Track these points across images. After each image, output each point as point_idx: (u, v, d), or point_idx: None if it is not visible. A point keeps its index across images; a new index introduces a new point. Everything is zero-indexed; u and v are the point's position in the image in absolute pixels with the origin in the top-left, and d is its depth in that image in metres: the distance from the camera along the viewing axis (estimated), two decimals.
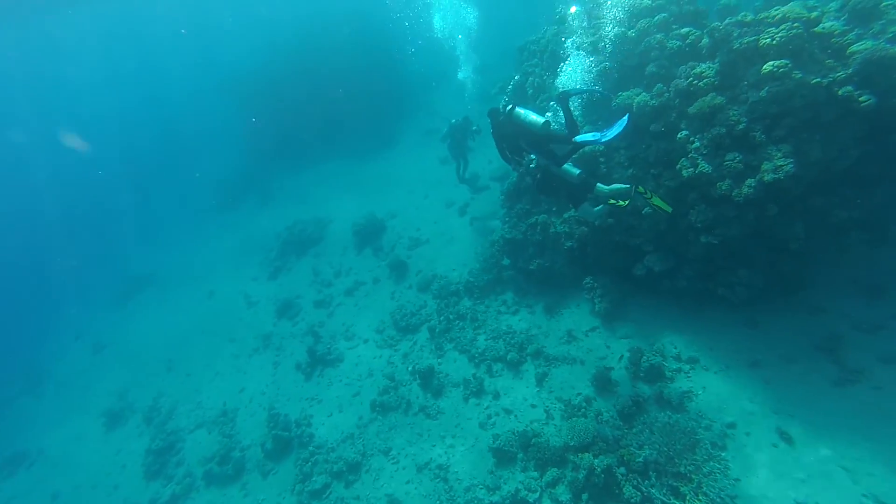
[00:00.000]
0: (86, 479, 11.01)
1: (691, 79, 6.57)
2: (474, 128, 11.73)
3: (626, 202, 6.05)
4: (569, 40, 8.85)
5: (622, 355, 7.65)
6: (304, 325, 12.11)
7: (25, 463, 12.77)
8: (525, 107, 6.39)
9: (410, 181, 16.32)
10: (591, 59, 8.18)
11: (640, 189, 6.08)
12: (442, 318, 10.04)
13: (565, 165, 6.39)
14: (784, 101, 5.45)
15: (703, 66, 6.42)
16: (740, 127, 5.94)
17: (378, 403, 8.87)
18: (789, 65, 5.25)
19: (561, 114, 6.52)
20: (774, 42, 5.35)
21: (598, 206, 6.59)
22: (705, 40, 6.61)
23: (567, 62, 8.48)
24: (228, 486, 9.00)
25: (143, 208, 29.17)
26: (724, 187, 6.17)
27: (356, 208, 15.74)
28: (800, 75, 5.23)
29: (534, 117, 6.12)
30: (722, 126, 6.16)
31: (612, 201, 6.14)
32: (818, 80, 5.19)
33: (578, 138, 5.97)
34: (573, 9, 9.33)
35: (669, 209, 6.01)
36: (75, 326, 19.04)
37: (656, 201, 6.01)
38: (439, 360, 9.25)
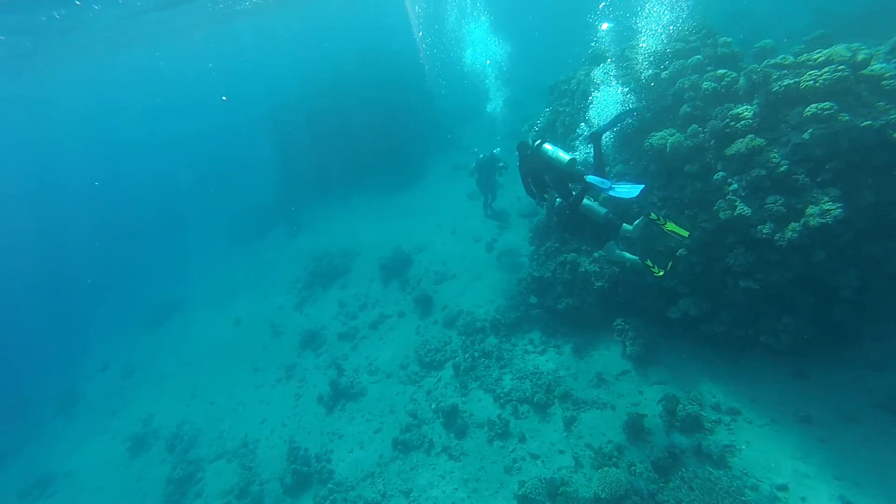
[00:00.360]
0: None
1: (728, 120, 6.48)
2: (501, 164, 11.84)
3: (661, 272, 6.00)
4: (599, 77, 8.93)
5: (657, 402, 7.27)
6: (328, 357, 12.06)
7: (53, 486, 12.87)
8: (554, 143, 6.53)
9: (438, 215, 16.44)
10: (626, 89, 8.16)
11: (653, 216, 5.97)
12: (467, 355, 9.84)
13: (591, 203, 6.41)
14: (830, 143, 5.28)
15: (741, 107, 6.33)
16: (782, 169, 5.77)
17: (400, 441, 8.63)
18: (835, 107, 5.11)
19: (589, 152, 6.61)
20: (818, 84, 5.23)
21: (624, 249, 6.51)
22: (742, 82, 6.54)
23: (598, 93, 8.51)
24: None
25: (178, 235, 30.21)
26: (765, 230, 5.96)
27: (383, 241, 15.90)
28: (847, 117, 5.07)
29: (561, 154, 6.28)
30: (762, 168, 6.00)
31: (650, 265, 6.10)
32: (869, 122, 5.01)
33: (589, 178, 5.97)
34: (605, 25, 9.43)
35: (686, 233, 5.85)
36: (105, 351, 19.51)
37: (670, 227, 5.88)
38: (463, 399, 9.00)
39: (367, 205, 20.13)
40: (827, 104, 5.13)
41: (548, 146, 6.45)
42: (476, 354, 9.78)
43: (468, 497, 7.26)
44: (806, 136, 5.41)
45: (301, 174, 23.82)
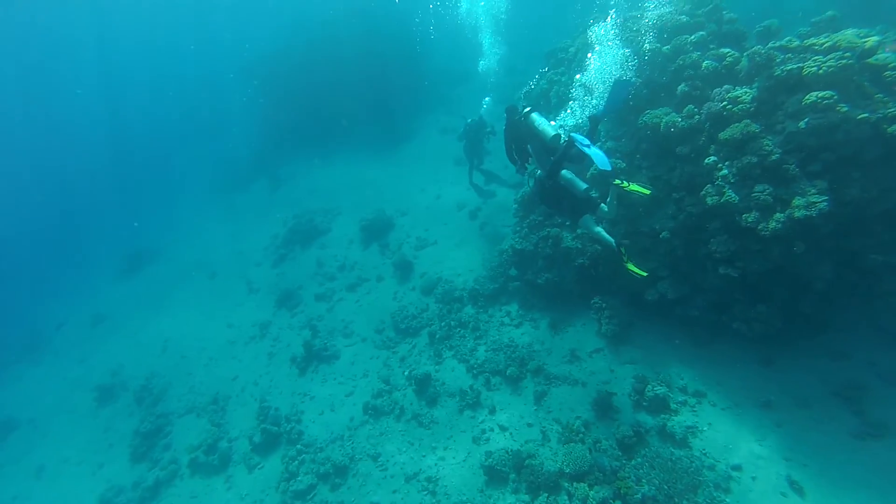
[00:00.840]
0: (73, 454, 10.93)
1: (726, 103, 6.27)
2: (489, 129, 11.51)
3: (630, 263, 5.96)
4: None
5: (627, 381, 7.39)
6: (303, 318, 11.93)
7: (15, 431, 12.73)
8: (542, 115, 6.49)
9: (423, 179, 16.07)
10: (627, 51, 7.79)
11: (616, 181, 6.04)
12: (443, 323, 9.82)
13: (572, 177, 6.40)
14: (825, 134, 5.15)
15: (740, 90, 6.12)
16: (773, 158, 5.64)
17: (371, 406, 8.67)
18: (835, 97, 4.95)
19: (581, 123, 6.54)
20: (821, 72, 5.04)
21: (598, 225, 6.55)
22: (744, 63, 6.31)
23: (596, 56, 8.16)
24: (213, 476, 8.85)
25: (156, 183, 29.15)
26: (750, 219, 5.89)
27: (365, 202, 15.52)
28: (845, 109, 4.92)
29: (547, 127, 6.32)
30: (754, 155, 5.86)
31: (623, 253, 6.03)
32: (865, 115, 4.87)
33: (573, 134, 6.06)
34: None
35: (647, 191, 5.91)
36: (75, 297, 19.04)
37: (633, 187, 5.95)
38: (437, 368, 9.03)
39: (351, 163, 19.55)
40: (827, 93, 4.97)
41: (535, 116, 6.46)
42: (452, 324, 9.76)
43: (435, 465, 7.37)
44: (802, 124, 5.27)
45: (285, 127, 22.92)
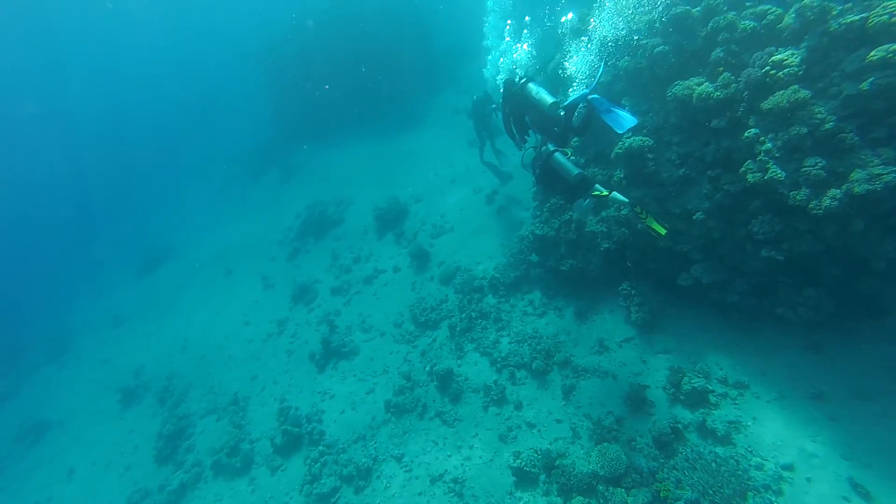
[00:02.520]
0: (101, 456, 11.02)
1: (768, 68, 5.63)
2: (493, 105, 10.95)
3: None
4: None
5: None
6: (320, 313, 11.70)
7: (47, 433, 12.94)
8: (540, 85, 6.21)
9: (436, 164, 15.55)
10: (649, 42, 7.23)
11: (637, 209, 5.88)
12: (464, 315, 9.44)
13: (563, 160, 6.20)
14: (893, 95, 4.51)
15: (786, 52, 5.47)
16: (827, 126, 5.03)
17: (393, 404, 8.41)
18: None
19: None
20: (893, 20, 4.37)
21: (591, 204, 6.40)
22: (789, 20, 5.61)
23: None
24: (236, 478, 8.76)
25: (171, 179, 29.18)
26: (799, 197, 5.30)
27: (379, 190, 15.14)
28: None
29: (545, 95, 6.08)
30: (803, 125, 5.25)
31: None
32: None
33: (592, 96, 5.75)
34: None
35: (664, 232, 5.70)
36: (95, 298, 19.24)
37: (651, 223, 5.75)
38: (459, 362, 8.70)
39: (362, 151, 19.13)
40: None
41: (532, 85, 6.26)
42: (473, 315, 9.38)
43: (461, 465, 7.08)
44: (865, 85, 4.63)
45: (294, 116, 22.52)
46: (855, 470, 5.10)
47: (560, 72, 9.10)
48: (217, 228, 19.77)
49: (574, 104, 5.87)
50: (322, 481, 7.75)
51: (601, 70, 6.31)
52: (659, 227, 5.70)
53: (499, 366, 8.24)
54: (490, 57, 10.62)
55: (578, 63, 7.58)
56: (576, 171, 6.12)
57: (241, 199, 21.35)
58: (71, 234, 27.77)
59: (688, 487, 5.32)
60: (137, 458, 10.36)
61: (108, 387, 13.15)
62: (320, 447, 8.32)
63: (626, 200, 5.93)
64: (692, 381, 6.45)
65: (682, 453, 5.74)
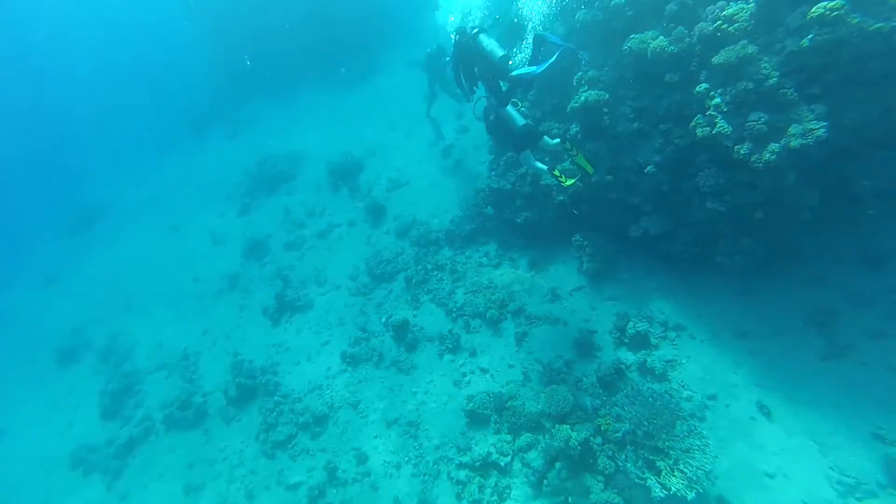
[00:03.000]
0: (37, 415, 10.51)
1: (720, 22, 5.75)
2: (447, 58, 10.69)
3: (571, 181, 6.17)
4: None
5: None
6: (273, 268, 11.41)
7: None
8: (490, 36, 6.21)
9: (392, 117, 15.11)
10: None
11: (567, 146, 6.19)
12: (420, 267, 9.49)
13: (512, 112, 6.39)
14: (829, 52, 4.74)
15: (737, 6, 5.59)
16: (771, 82, 5.25)
17: (349, 355, 8.46)
18: (846, 7, 4.50)
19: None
20: None
21: (540, 162, 6.73)
22: None
23: None
24: (189, 431, 8.64)
25: (104, 132, 26.79)
26: (742, 151, 5.58)
27: (332, 144, 14.61)
28: (857, 19, 4.48)
29: (495, 47, 6.07)
30: (749, 80, 5.46)
31: (558, 175, 6.20)
32: (880, 25, 4.45)
33: (515, 72, 5.91)
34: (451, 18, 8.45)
35: (591, 170, 6.18)
36: (23, 257, 17.83)
37: (580, 160, 6.16)
38: (415, 313, 8.80)
39: (314, 104, 18.26)
40: (838, 2, 4.50)
41: (484, 37, 6.17)
42: (429, 267, 9.45)
43: (416, 409, 7.30)
44: (805, 42, 4.84)
45: (239, 67, 20.98)
46: (764, 394, 5.82)
47: (515, 20, 8.93)
48: (160, 184, 18.57)
49: (521, 79, 5.88)
50: (278, 429, 7.78)
51: (554, 57, 6.28)
52: (587, 164, 6.12)
53: (454, 315, 8.41)
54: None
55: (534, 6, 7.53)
56: (522, 121, 6.29)
57: (184, 153, 20.03)
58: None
59: (626, 420, 5.74)
60: (80, 416, 9.97)
61: (41, 347, 12.40)
62: (276, 397, 8.31)
63: (592, 171, 6.24)
64: (636, 325, 6.86)
65: (623, 391, 6.15)
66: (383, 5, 20.37)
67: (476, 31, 6.28)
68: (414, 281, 9.26)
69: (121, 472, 8.59)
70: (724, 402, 5.94)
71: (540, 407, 6.40)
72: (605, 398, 6.30)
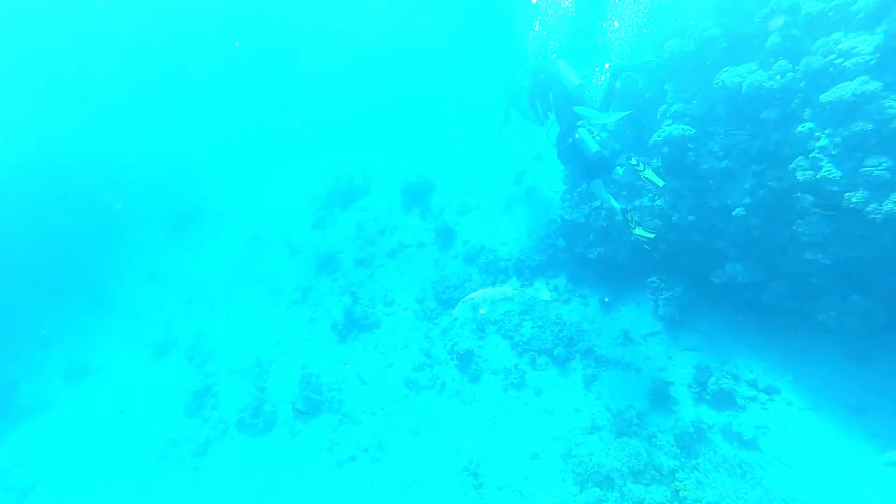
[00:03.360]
0: (141, 403, 11.55)
1: (833, 56, 5.22)
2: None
3: (641, 231, 6.10)
4: None
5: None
6: (344, 283, 11.81)
7: (89, 377, 13.61)
8: (570, 64, 5.95)
9: (466, 140, 15.23)
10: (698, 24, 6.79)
11: (633, 160, 6.10)
12: None
13: (586, 137, 6.21)
14: None
15: (857, 37, 5.04)
16: None
17: (412, 380, 8.53)
18: None
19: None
20: None
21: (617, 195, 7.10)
22: (865, 1, 5.14)
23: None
24: (259, 437, 9.10)
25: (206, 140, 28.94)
26: (855, 199, 5.00)
27: (406, 162, 14.99)
28: None
29: (571, 75, 6.04)
30: (869, 121, 4.88)
31: (629, 218, 6.20)
32: None
33: (578, 108, 5.98)
34: None
35: (661, 183, 6.03)
36: (130, 252, 19.84)
37: (648, 174, 6.01)
38: (480, 343, 8.71)
39: (391, 120, 18.87)
40: None
41: (561, 62, 6.23)
42: None
43: (477, 445, 7.17)
44: None
45: None
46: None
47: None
48: (245, 188, 19.96)
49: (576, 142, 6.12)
50: (339, 448, 7.98)
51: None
52: (656, 178, 6.01)
53: (520, 350, 8.22)
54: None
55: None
56: (595, 148, 6.10)
57: (268, 160, 21.43)
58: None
59: (708, 489, 5.26)
60: (169, 410, 10.83)
61: (142, 339, 13.66)
62: (339, 415, 8.54)
63: (661, 184, 6.06)
64: (720, 381, 6.32)
65: (704, 454, 5.66)
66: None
67: (555, 55, 6.26)
68: None
69: (197, 468, 9.21)
70: (837, 488, 5.20)
71: (609, 459, 6.04)
72: (683, 459, 5.82)
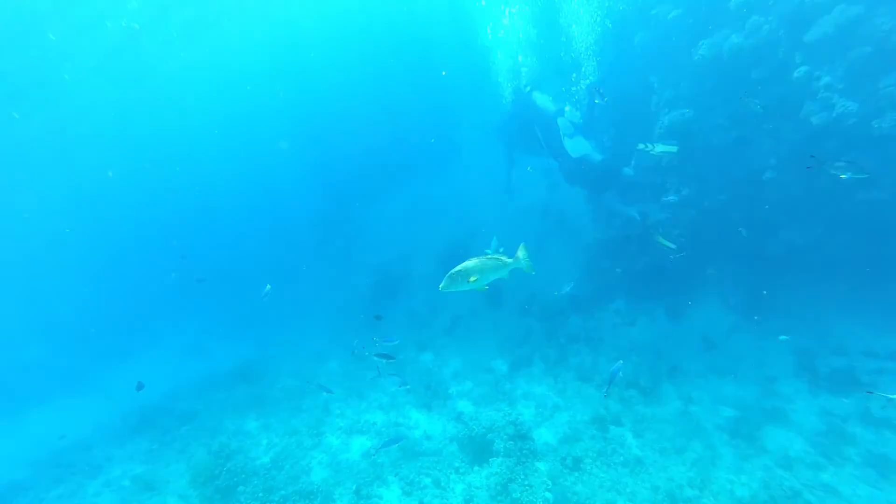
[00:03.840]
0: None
1: None
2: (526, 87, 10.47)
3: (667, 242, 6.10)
4: None
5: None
6: (411, 370, 11.76)
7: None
8: (544, 92, 5.91)
9: (483, 191, 15.38)
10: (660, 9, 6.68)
11: (641, 146, 6.11)
12: (553, 342, 9.01)
13: (589, 151, 6.27)
14: None
15: None
16: None
17: (502, 449, 8.13)
18: None
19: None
20: None
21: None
22: None
23: None
24: None
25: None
26: (884, 124, 4.50)
27: (434, 233, 15.22)
28: None
29: (549, 103, 6.08)
30: (866, 44, 4.50)
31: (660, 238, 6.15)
32: None
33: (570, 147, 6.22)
34: None
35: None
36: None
37: (660, 240, 6.12)
38: (561, 398, 8.25)
39: (414, 197, 19.43)
40: None
41: (537, 93, 6.27)
42: (562, 341, 8.94)
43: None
44: None
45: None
46: None
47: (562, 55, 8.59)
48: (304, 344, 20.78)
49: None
50: None
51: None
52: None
53: (604, 389, 7.70)
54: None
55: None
56: (601, 157, 6.14)
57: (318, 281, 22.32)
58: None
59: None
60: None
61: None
62: None
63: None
64: (828, 361, 5.58)
65: (852, 460, 4.89)
66: None
67: (528, 88, 6.32)
68: (551, 360, 8.79)
69: None
70: None
71: (749, 492, 5.33)
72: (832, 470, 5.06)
